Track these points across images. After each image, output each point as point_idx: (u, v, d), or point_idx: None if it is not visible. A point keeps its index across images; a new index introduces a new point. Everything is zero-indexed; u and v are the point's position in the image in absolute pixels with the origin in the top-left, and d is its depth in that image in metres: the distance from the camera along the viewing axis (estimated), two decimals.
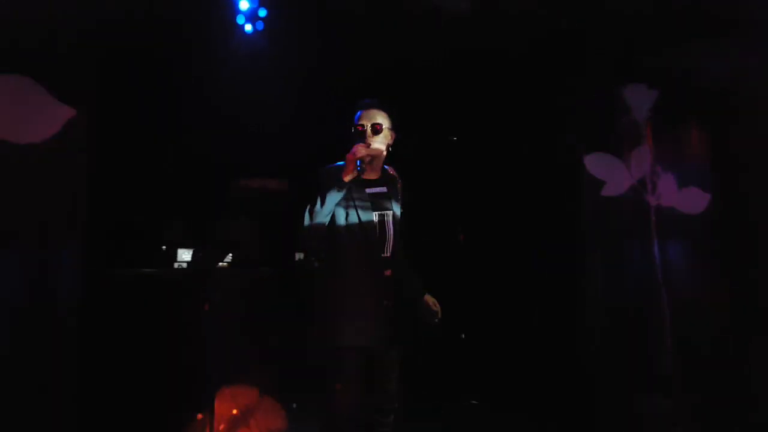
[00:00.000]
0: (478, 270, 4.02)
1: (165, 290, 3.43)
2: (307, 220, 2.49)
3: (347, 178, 2.47)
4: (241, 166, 4.31)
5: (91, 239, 2.91)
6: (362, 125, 2.62)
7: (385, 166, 2.75)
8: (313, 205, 2.47)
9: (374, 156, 2.58)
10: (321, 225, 2.50)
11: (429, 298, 2.77)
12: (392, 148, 2.69)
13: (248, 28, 4.08)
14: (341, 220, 2.56)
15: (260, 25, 4.08)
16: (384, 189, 2.67)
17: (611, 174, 3.66)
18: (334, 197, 2.48)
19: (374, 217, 2.58)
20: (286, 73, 4.14)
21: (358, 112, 2.67)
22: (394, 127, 2.69)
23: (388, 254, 2.62)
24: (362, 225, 2.55)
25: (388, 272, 2.61)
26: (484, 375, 4.05)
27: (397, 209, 2.68)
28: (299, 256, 4.27)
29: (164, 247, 3.72)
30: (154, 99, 3.81)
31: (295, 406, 3.72)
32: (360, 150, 2.50)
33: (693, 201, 3.79)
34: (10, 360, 2.56)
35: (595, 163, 3.64)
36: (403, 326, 2.66)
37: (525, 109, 3.87)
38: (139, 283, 3.41)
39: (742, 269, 3.68)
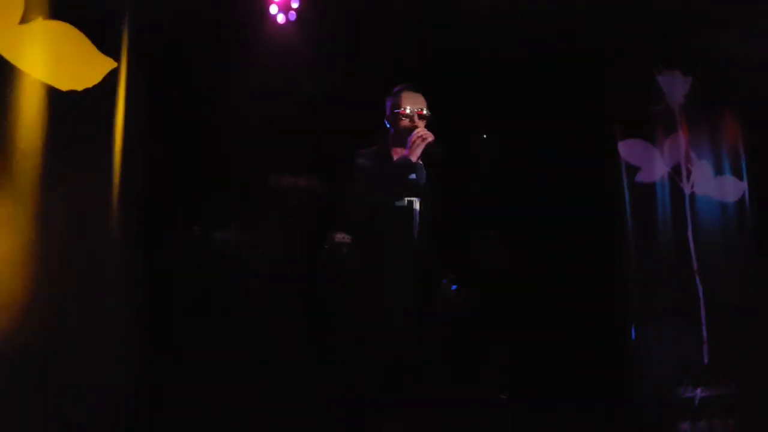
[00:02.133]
0: (512, 261, 3.97)
1: None
2: (367, 196, 2.57)
3: (415, 158, 2.56)
4: (270, 159, 4.25)
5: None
6: (407, 109, 2.66)
7: None
8: (377, 182, 2.57)
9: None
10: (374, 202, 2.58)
11: None
12: None
13: (281, 18, 4.13)
14: (375, 201, 2.62)
15: (292, 16, 4.13)
16: (414, 176, 2.72)
17: (645, 160, 3.66)
18: (404, 175, 2.56)
19: (404, 200, 2.67)
20: (318, 64, 4.15)
21: (400, 97, 2.70)
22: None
23: (416, 236, 2.69)
24: (396, 206, 2.64)
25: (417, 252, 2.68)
26: (516, 369, 3.97)
27: (424, 195, 2.76)
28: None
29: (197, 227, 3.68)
30: (181, 87, 3.78)
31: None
32: (428, 133, 2.57)
33: (728, 189, 3.79)
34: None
35: (630, 150, 3.65)
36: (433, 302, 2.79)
37: (560, 96, 3.87)
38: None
39: None
